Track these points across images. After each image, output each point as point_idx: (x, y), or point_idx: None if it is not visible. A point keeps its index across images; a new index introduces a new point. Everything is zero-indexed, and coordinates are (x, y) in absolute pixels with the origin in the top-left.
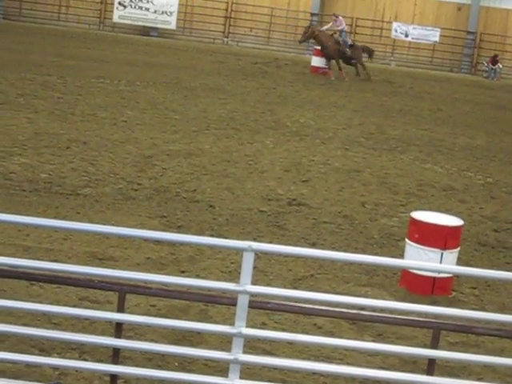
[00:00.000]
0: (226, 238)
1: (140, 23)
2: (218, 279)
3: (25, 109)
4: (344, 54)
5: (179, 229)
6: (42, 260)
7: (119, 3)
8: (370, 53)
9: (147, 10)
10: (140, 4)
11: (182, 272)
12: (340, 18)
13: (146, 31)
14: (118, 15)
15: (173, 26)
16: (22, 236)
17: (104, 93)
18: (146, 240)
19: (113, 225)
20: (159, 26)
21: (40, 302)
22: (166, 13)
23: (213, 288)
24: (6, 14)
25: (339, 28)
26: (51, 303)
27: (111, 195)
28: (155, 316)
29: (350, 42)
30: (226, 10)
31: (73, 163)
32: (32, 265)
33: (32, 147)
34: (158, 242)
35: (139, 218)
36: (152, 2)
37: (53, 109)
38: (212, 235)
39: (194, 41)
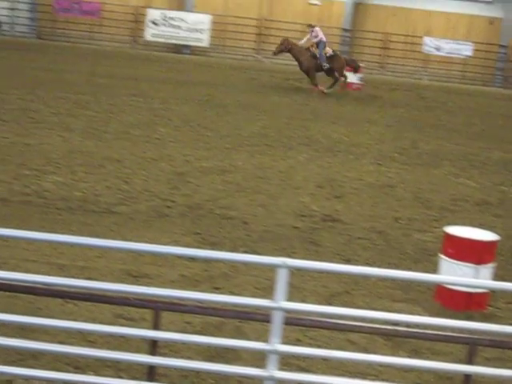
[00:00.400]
0: (259, 254)
1: (172, 41)
2: (253, 296)
3: (59, 127)
4: (321, 68)
5: (213, 245)
6: (77, 278)
7: (152, 22)
8: (355, 66)
9: (179, 28)
10: (172, 22)
11: (217, 289)
12: (316, 28)
13: (178, 49)
14: (150, 33)
15: (205, 43)
16: (56, 254)
17: (137, 111)
18: (180, 257)
19: (147, 242)
20: (191, 43)
21: (75, 320)
22: (198, 30)
23: (247, 305)
24: (40, 34)
25: (316, 40)
26: (86, 321)
27: (145, 213)
28: (190, 333)
29: (330, 52)
30: (258, 26)
31: (107, 181)
32: (67, 283)
33: (66, 165)
34: (192, 258)
35: (173, 235)
36: (184, 20)
37: (86, 127)
38: (246, 252)
39: (226, 58)
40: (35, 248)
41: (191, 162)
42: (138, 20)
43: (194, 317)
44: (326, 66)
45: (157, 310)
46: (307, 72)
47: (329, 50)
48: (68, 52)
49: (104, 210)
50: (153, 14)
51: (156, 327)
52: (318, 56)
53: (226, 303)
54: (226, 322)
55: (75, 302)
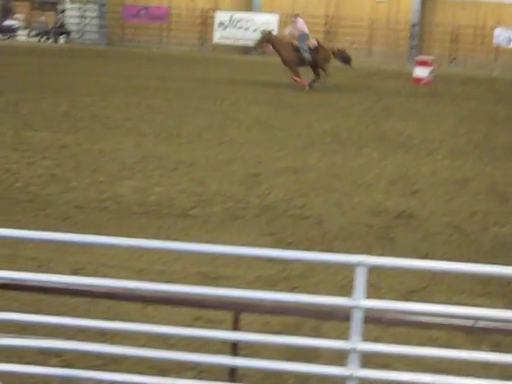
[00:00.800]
0: (336, 252)
1: (240, 42)
2: (330, 294)
3: (132, 133)
4: (304, 61)
5: (289, 245)
6: (155, 282)
7: (219, 24)
8: (346, 58)
9: (247, 29)
10: (240, 24)
11: (294, 288)
12: (299, 19)
13: (246, 50)
14: (218, 36)
15: None
16: (134, 259)
17: (208, 113)
18: (257, 258)
19: (222, 244)
20: None
21: (155, 324)
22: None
23: (326, 304)
24: (110, 40)
25: (297, 32)
26: (166, 324)
27: (220, 215)
28: (269, 333)
29: (314, 44)
30: (326, 23)
31: (181, 184)
32: (146, 287)
33: (140, 170)
34: (268, 259)
35: (249, 236)
36: (252, 21)
37: (159, 131)
38: (322, 250)
39: None
40: (113, 253)
41: (264, 162)
42: (205, 23)
43: (273, 317)
44: (309, 57)
45: (237, 312)
46: (289, 65)
47: (313, 42)
48: (138, 57)
49: (179, 213)
50: (220, 16)
51: (236, 329)
52: (300, 49)
53: (304, 303)
54: (305, 321)
55: (154, 305)
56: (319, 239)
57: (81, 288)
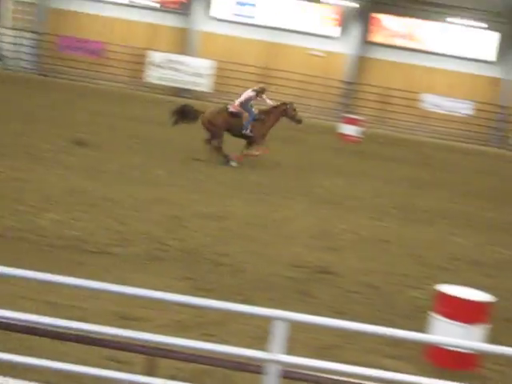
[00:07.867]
0: (253, 302)
1: (173, 84)
2: (244, 344)
3: (56, 165)
4: None
5: (207, 292)
6: (67, 317)
7: (154, 64)
8: None
9: (181, 71)
10: (174, 66)
11: (209, 336)
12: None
13: (178, 92)
14: (151, 76)
15: (206, 88)
16: (49, 293)
17: (136, 152)
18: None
19: (140, 285)
20: (192, 87)
21: (67, 362)
22: (199, 75)
23: (243, 355)
24: (43, 70)
25: None
26: (77, 362)
27: (140, 255)
28: (181, 379)
29: None
30: (261, 74)
31: (103, 221)
32: (60, 324)
33: (62, 203)
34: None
35: (167, 279)
36: (186, 64)
37: (85, 166)
38: (240, 300)
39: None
40: (30, 285)
41: (187, 206)
42: (140, 62)
43: (187, 364)
44: None
45: (150, 356)
46: None
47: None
48: (70, 89)
49: (99, 250)
50: (155, 56)
51: (149, 373)
52: None
53: (221, 352)
54: (216, 370)
55: (67, 342)
56: (237, 288)
57: None
